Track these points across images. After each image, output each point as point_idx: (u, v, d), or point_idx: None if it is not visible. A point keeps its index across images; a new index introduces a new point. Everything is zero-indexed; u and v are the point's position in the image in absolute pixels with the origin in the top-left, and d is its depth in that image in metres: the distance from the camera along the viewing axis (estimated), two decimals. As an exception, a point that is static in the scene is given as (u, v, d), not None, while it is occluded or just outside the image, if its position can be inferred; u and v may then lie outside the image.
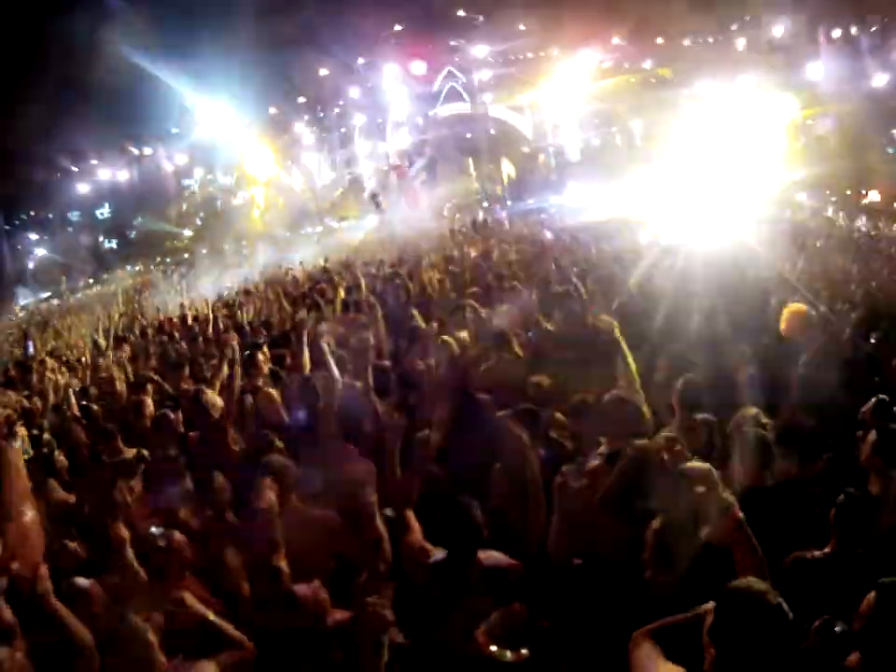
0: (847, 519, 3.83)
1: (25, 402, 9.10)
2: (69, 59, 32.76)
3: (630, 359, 5.82)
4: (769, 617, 2.70)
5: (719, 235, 11.41)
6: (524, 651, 3.41)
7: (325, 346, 6.82)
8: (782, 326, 7.09)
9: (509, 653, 3.40)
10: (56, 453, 6.84)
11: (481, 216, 27.74)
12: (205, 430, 6.48)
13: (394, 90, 43.23)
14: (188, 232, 46.57)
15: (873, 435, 4.57)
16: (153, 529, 4.12)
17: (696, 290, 8.24)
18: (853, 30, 36.07)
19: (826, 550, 3.86)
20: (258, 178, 45.41)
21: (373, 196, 35.97)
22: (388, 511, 4.46)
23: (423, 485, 4.69)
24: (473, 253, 15.04)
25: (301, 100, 46.37)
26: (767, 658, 2.67)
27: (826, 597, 3.22)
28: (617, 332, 5.94)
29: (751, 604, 2.73)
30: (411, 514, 4.45)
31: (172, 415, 6.60)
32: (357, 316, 9.50)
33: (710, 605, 2.90)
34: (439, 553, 4.26)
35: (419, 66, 42.27)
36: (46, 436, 7.42)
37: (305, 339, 7.70)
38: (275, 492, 4.42)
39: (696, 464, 3.55)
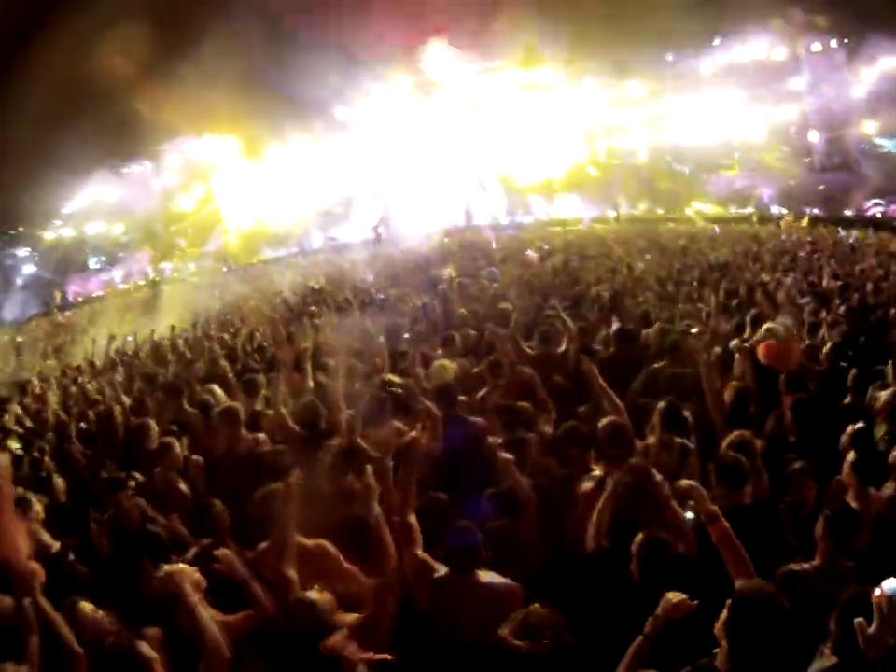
0: (837, 533, 4.04)
1: (19, 425, 9.20)
2: (63, 76, 32.79)
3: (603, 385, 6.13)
4: (778, 615, 3.04)
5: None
6: (544, 642, 3.60)
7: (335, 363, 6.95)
8: (760, 354, 7.22)
9: (530, 645, 3.59)
10: (55, 476, 6.88)
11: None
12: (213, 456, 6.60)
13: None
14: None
15: (851, 456, 4.88)
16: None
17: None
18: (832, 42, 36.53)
19: (815, 563, 4.05)
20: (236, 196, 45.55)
21: (374, 228, 36.58)
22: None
23: (423, 508, 4.83)
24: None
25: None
26: (774, 651, 3.01)
27: (817, 608, 3.41)
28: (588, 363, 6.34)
29: (763, 602, 3.08)
30: (414, 524, 4.59)
31: (175, 441, 6.69)
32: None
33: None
34: (441, 569, 4.40)
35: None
36: (46, 459, 7.50)
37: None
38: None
39: (686, 481, 4.07)
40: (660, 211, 36.24)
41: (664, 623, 3.45)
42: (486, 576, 4.32)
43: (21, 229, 50.46)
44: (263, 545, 4.73)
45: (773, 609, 3.06)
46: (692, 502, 3.97)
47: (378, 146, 43.70)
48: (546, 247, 20.60)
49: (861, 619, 2.87)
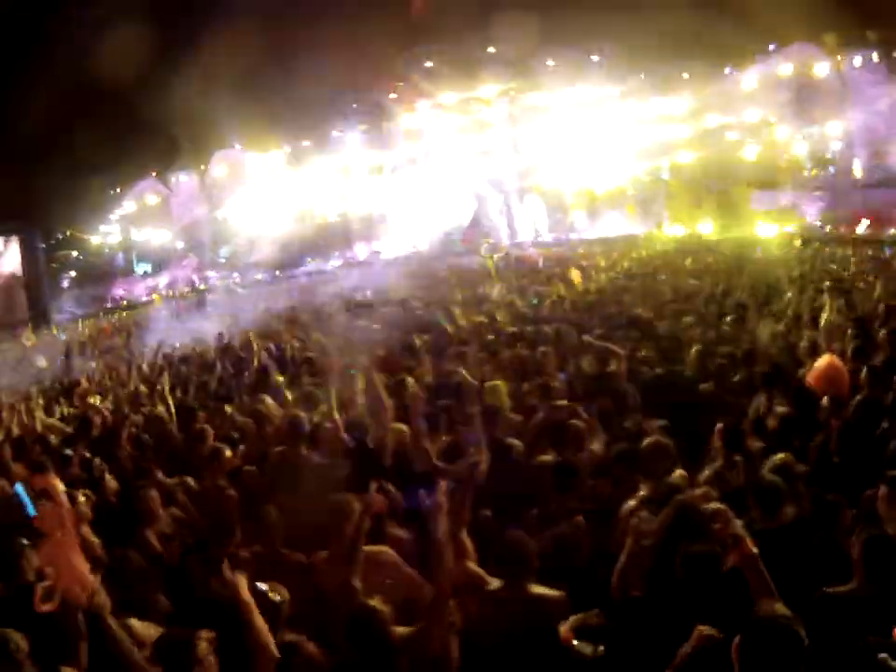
0: (874, 557, 4.00)
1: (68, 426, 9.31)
2: (114, 89, 33.46)
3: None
4: (792, 643, 3.03)
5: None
6: (601, 648, 3.59)
7: (377, 379, 6.97)
8: (813, 376, 7.21)
9: (589, 648, 3.58)
10: (107, 476, 6.97)
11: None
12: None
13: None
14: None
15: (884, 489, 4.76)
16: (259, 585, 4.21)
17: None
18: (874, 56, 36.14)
19: (851, 586, 4.02)
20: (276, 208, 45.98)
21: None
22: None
23: (471, 525, 4.83)
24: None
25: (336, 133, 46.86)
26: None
27: (854, 631, 3.41)
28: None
29: (777, 629, 3.08)
30: (465, 539, 4.61)
31: (227, 448, 6.74)
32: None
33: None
34: (494, 582, 4.44)
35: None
36: (96, 460, 7.59)
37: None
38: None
39: (714, 504, 4.14)
40: (708, 229, 35.78)
41: (692, 656, 3.45)
42: (537, 587, 4.36)
43: (69, 233, 51.36)
44: (323, 553, 4.79)
45: (787, 636, 3.04)
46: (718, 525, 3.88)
47: (422, 160, 43.88)
48: (590, 266, 20.46)
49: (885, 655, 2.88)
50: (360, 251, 43.36)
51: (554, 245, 35.70)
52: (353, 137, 46.81)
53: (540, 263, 23.68)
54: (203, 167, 48.59)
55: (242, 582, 3.94)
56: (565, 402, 7.13)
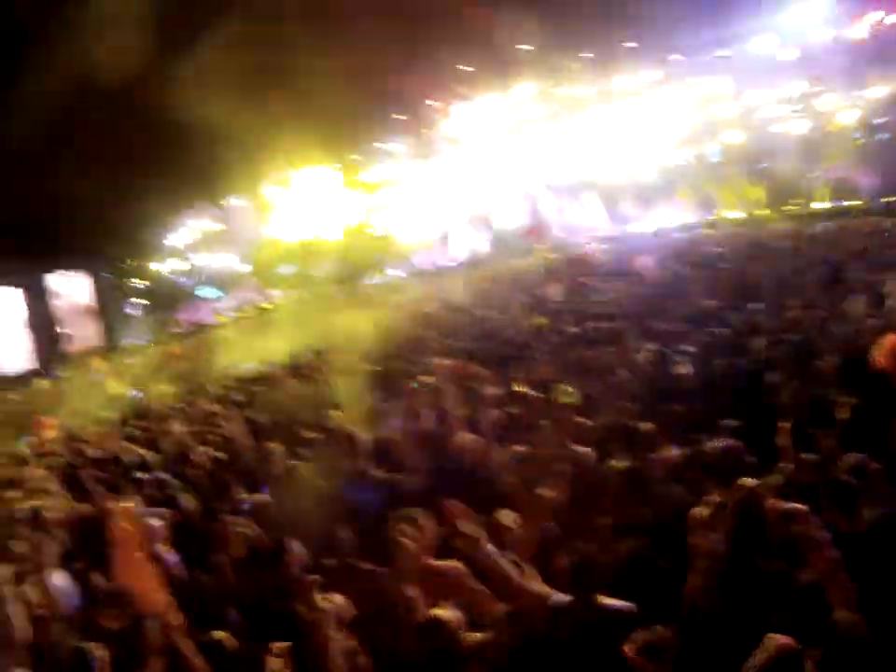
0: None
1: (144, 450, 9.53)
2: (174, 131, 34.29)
3: None
4: (869, 655, 2.97)
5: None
6: (667, 663, 3.55)
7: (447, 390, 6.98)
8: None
9: (652, 665, 3.54)
10: (183, 495, 7.16)
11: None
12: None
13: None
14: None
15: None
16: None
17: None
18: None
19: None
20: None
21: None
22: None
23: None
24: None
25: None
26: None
27: None
28: None
29: (858, 640, 3.03)
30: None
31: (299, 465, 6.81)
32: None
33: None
34: (559, 596, 4.34)
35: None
36: (173, 481, 7.76)
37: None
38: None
39: (793, 504, 3.93)
40: (760, 212, 34.70)
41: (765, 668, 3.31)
42: (606, 600, 4.26)
43: (132, 261, 52.82)
44: (392, 567, 4.80)
45: (869, 649, 2.97)
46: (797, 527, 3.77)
47: (468, 165, 43.84)
48: (651, 259, 19.96)
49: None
50: (420, 260, 43.42)
51: (611, 239, 35.03)
52: (396, 148, 47.10)
53: (598, 259, 23.29)
54: (259, 189, 49.33)
55: (315, 596, 3.98)
56: (633, 404, 6.97)
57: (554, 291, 15.53)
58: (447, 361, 9.37)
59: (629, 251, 21.92)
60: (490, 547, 4.30)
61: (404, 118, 45.06)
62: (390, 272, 41.29)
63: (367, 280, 38.84)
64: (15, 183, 36.37)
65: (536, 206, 41.84)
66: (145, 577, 3.90)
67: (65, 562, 6.31)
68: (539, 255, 31.21)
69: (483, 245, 41.73)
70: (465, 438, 6.58)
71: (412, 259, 43.10)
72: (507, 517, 4.88)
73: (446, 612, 3.99)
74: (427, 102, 44.53)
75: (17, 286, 46.19)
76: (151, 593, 3.88)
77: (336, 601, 4.22)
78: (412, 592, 4.44)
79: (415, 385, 8.14)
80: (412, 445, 6.78)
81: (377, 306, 21.84)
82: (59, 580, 6.04)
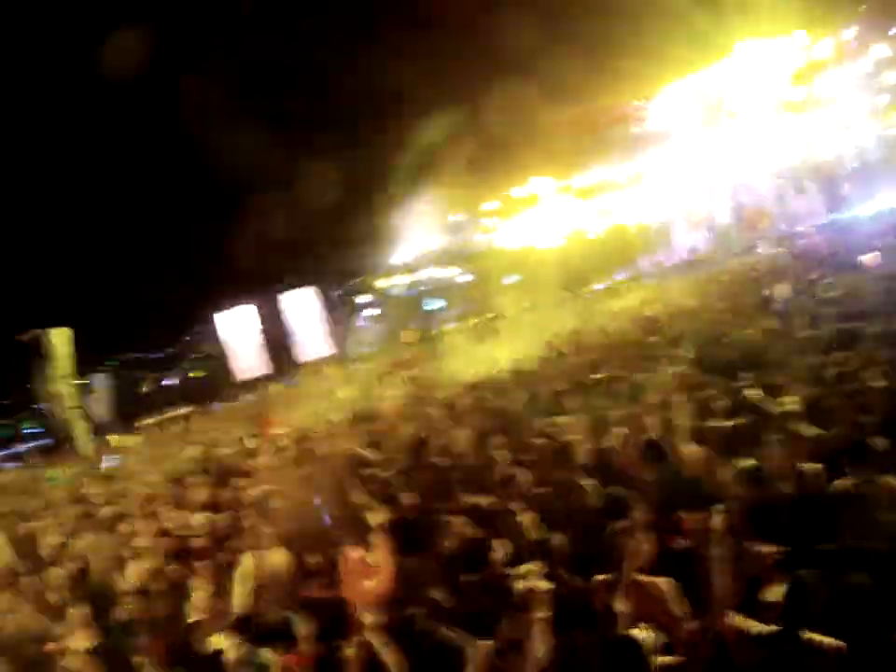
0: None
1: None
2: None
3: None
4: None
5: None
6: None
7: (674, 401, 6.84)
8: None
9: None
10: (404, 494, 7.38)
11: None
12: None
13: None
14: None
15: None
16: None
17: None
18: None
19: None
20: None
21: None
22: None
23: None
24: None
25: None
26: None
27: None
28: None
29: None
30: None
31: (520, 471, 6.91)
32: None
33: None
34: (764, 628, 4.16)
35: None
36: (397, 479, 8.07)
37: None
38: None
39: None
40: None
41: None
42: (813, 636, 3.98)
43: (362, 278, 55.53)
44: (600, 577, 4.76)
45: None
46: None
47: (676, 161, 42.58)
48: (882, 248, 18.26)
49: None
50: (643, 262, 42.61)
51: (835, 226, 32.26)
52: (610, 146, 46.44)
53: (824, 251, 21.76)
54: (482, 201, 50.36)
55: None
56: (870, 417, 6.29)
57: (782, 290, 14.73)
58: (673, 369, 9.24)
59: (856, 240, 20.51)
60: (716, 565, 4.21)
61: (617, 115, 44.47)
62: (614, 276, 40.72)
63: (591, 285, 38.51)
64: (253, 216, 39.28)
65: (755, 198, 40.05)
66: (362, 570, 4.50)
67: (285, 543, 6.81)
68: (762, 250, 29.92)
69: (704, 243, 40.46)
70: (689, 449, 6.42)
71: (635, 261, 42.44)
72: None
73: (643, 633, 3.94)
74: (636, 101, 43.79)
75: (253, 303, 50.95)
76: (366, 584, 4.31)
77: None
78: (618, 606, 4.39)
79: (641, 393, 8.05)
80: (634, 455, 6.69)
81: (601, 312, 21.71)
82: (277, 557, 6.57)
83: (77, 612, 6.51)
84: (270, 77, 46.95)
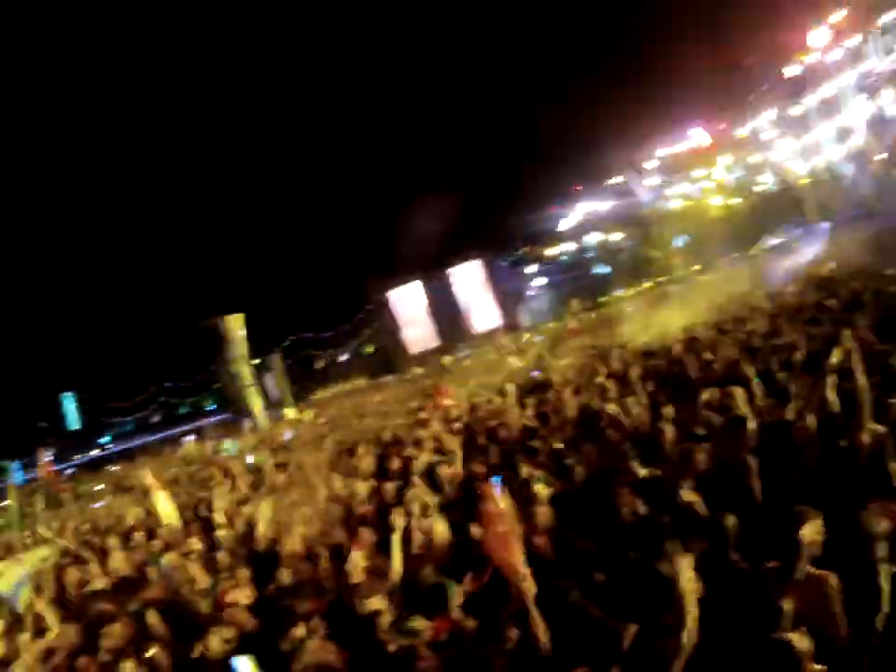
0: None
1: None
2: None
3: None
4: None
5: None
6: None
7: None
8: None
9: None
10: (575, 466, 7.23)
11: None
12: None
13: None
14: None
15: None
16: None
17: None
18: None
19: None
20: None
21: None
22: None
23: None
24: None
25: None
26: None
27: None
28: None
29: None
30: None
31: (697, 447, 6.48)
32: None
33: None
34: None
35: None
36: (567, 451, 7.85)
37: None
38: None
39: None
40: None
41: None
42: None
43: (527, 248, 55.73)
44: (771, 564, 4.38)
45: None
46: None
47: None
48: None
49: None
50: (816, 216, 40.36)
51: None
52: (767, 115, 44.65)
53: None
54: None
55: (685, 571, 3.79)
56: None
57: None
58: (853, 334, 8.48)
59: None
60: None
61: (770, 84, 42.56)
62: (785, 232, 38.72)
63: (762, 243, 36.88)
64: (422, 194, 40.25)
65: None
66: (507, 548, 4.27)
67: (447, 512, 6.88)
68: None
69: (872, 195, 37.95)
70: (871, 427, 5.73)
71: (806, 215, 40.38)
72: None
73: (799, 638, 3.65)
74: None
75: (423, 279, 53.29)
76: (512, 560, 4.24)
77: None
78: (784, 602, 4.04)
79: (819, 362, 7.37)
80: (810, 432, 6.14)
81: (774, 272, 20.68)
82: (438, 526, 6.61)
83: (243, 572, 6.82)
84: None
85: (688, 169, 47.56)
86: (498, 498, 4.37)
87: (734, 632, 3.87)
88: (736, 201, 45.34)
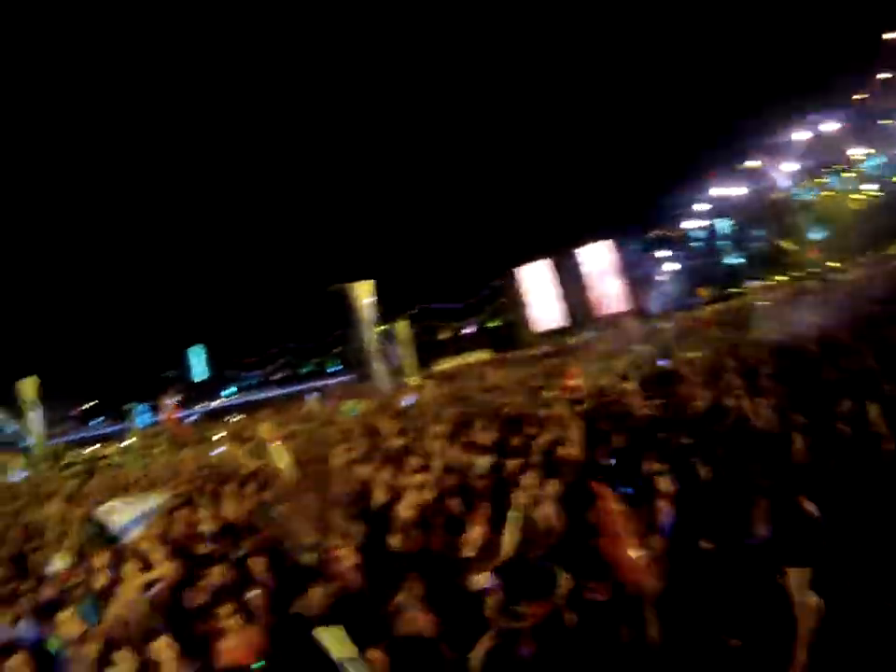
0: None
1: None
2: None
3: None
4: None
5: None
6: None
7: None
8: None
9: None
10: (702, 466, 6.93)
11: None
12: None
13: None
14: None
15: None
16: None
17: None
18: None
19: None
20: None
21: None
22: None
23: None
24: None
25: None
26: None
27: None
28: None
29: None
30: None
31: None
32: None
33: None
34: None
35: None
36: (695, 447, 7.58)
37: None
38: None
39: None
40: None
41: None
42: None
43: (656, 232, 54.77)
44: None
45: None
46: None
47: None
48: None
49: None
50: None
51: None
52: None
53: None
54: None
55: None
56: None
57: None
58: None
59: None
60: None
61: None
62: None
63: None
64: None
65: None
66: (624, 552, 4.34)
67: (563, 497, 6.67)
68: None
69: None
70: None
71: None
72: None
73: None
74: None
75: (551, 258, 53.14)
76: (631, 566, 4.28)
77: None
78: None
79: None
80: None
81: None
82: (548, 509, 6.50)
83: (354, 530, 6.88)
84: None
85: (828, 156, 45.52)
86: (615, 498, 4.22)
87: (854, 653, 3.71)
88: (878, 194, 43.16)
